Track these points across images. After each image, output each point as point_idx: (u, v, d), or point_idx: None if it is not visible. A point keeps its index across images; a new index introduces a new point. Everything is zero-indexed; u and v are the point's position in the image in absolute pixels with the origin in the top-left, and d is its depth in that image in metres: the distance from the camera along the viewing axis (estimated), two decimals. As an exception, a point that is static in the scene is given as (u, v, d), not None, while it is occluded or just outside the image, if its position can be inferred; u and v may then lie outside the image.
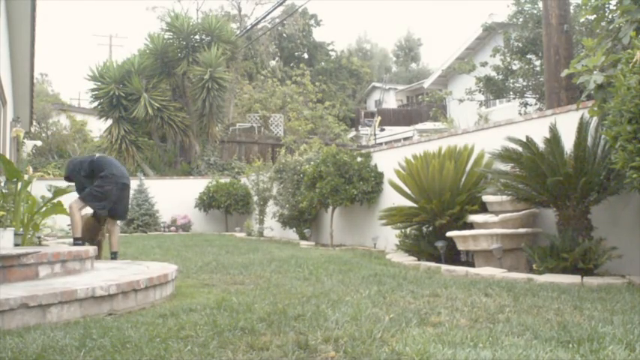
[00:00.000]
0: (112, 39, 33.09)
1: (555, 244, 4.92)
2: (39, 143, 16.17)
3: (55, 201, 5.75)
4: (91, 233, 6.34)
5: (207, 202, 14.32)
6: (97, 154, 6.49)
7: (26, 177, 5.42)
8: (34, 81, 12.52)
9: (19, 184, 5.22)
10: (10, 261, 3.72)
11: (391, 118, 27.57)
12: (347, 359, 2.37)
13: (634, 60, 3.90)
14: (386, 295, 3.80)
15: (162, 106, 16.53)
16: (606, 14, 5.20)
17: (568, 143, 4.99)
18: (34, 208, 5.52)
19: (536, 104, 12.32)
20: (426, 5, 69.99)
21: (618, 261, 4.75)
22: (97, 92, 16.62)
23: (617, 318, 2.94)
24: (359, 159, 8.78)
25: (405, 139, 15.69)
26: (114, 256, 6.13)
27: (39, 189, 6.47)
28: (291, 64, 32.35)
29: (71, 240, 6.24)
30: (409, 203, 6.72)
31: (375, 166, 8.74)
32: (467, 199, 6.11)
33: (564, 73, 5.04)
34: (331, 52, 37.29)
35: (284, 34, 33.49)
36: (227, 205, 14.00)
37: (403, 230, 6.84)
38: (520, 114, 11.33)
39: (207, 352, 2.46)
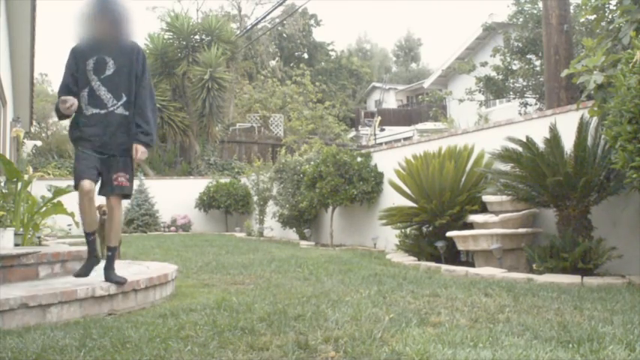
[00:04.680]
0: (112, 39, 32.95)
1: (555, 244, 4.91)
2: (39, 143, 16.17)
3: (55, 201, 5.74)
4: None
5: (207, 202, 14.31)
6: None
7: (26, 177, 5.42)
8: (34, 81, 12.51)
9: (19, 184, 5.22)
10: (10, 261, 3.72)
11: (391, 118, 27.54)
12: (347, 359, 2.37)
13: (634, 60, 3.90)
14: (386, 295, 3.80)
15: (162, 106, 16.52)
16: (606, 14, 5.20)
17: (568, 143, 4.99)
18: (34, 208, 5.51)
19: (536, 104, 12.31)
20: (426, 5, 70.00)
21: (618, 261, 4.74)
22: None
23: (617, 318, 2.94)
24: (359, 159, 8.78)
25: (405, 139, 15.69)
26: (111, 252, 3.91)
27: (39, 189, 6.46)
28: (291, 64, 32.35)
29: (71, 240, 6.22)
30: (409, 203, 6.72)
31: (375, 166, 8.74)
32: (467, 199, 6.11)
33: (564, 73, 5.03)
34: (331, 52, 37.31)
35: (284, 34, 33.49)
36: (227, 205, 14.00)
37: (403, 230, 6.84)
38: (520, 114, 11.33)
39: (207, 352, 2.46)
